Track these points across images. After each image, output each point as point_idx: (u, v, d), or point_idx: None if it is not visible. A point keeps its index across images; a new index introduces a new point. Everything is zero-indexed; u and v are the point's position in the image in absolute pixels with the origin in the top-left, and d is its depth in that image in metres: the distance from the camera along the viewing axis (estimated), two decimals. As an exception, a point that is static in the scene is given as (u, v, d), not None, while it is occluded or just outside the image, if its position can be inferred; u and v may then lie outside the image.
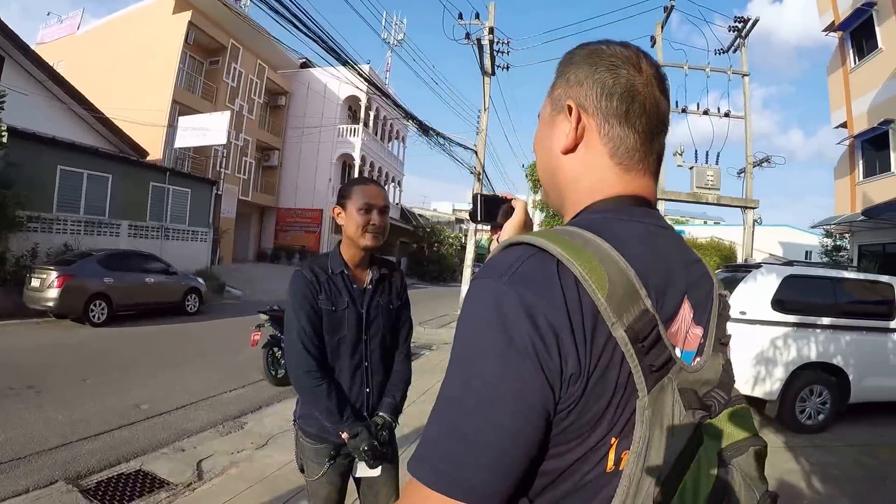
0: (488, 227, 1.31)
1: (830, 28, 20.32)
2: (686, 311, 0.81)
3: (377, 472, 2.20)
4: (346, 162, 36.62)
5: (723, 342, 0.87)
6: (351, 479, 2.38)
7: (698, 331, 0.83)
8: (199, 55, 27.90)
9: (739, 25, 19.11)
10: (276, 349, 7.70)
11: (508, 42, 20.50)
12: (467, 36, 19.49)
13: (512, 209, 1.24)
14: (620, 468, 0.71)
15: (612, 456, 0.72)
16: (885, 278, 7.89)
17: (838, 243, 25.87)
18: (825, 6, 20.68)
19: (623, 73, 0.84)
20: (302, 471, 2.35)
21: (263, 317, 7.86)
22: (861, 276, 8.33)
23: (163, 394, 6.84)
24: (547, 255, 0.71)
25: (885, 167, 17.93)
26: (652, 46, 19.55)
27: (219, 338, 11.35)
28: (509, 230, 1.21)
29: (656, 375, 0.71)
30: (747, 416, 0.82)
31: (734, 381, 0.86)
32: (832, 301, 7.18)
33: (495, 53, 19.86)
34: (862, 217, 16.47)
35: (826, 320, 6.96)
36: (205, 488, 4.17)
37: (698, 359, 0.82)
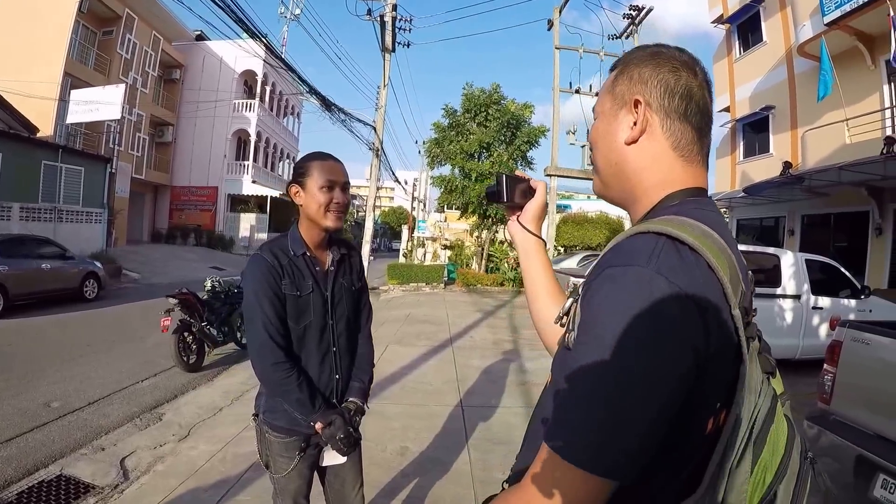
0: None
1: (719, 20, 21.90)
2: (749, 290, 0.90)
3: (345, 458, 2.15)
4: (241, 138, 35.58)
5: (754, 314, 0.94)
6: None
7: (751, 307, 0.90)
8: (93, 24, 25.92)
9: (633, 13, 19.98)
10: (186, 334, 7.44)
11: (411, 19, 20.62)
12: (369, 12, 19.30)
13: (531, 189, 1.31)
14: (719, 425, 0.79)
15: (712, 420, 0.79)
16: (771, 250, 8.84)
17: (718, 218, 27.72)
18: (716, 0, 22.00)
19: (683, 76, 0.94)
20: (267, 467, 2.23)
21: (172, 301, 7.48)
22: (749, 247, 9.14)
23: (73, 389, 6.41)
24: (679, 244, 0.78)
25: (764, 148, 19.56)
26: (549, 30, 20.13)
27: (123, 325, 10.74)
28: (532, 210, 1.31)
29: (748, 344, 0.80)
30: (779, 375, 0.94)
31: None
32: None
33: (396, 31, 19.77)
34: (743, 194, 17.74)
35: (754, 289, 7.55)
36: (133, 489, 3.95)
37: None
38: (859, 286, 8.92)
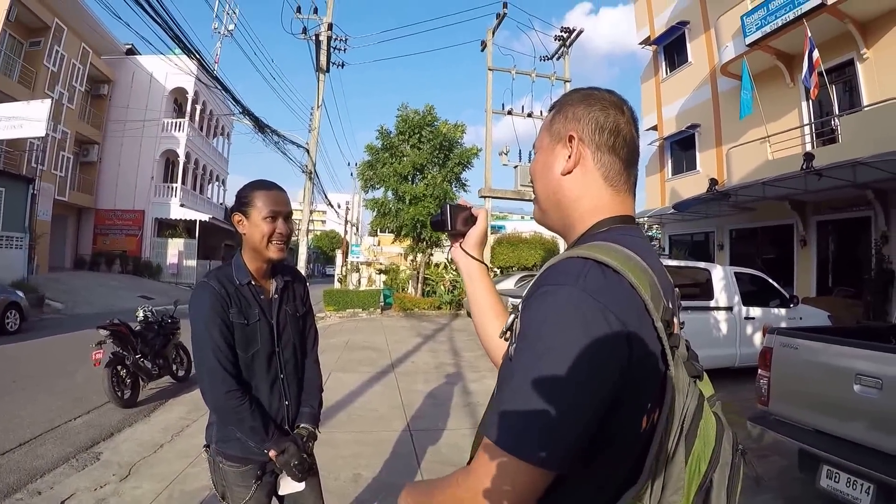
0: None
1: (646, 42, 22.92)
2: (672, 305, 1.00)
3: (302, 485, 2.13)
4: (169, 159, 34.18)
5: (681, 327, 1.07)
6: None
7: (676, 319, 1.02)
8: (20, 34, 24.48)
9: (564, 35, 20.56)
10: (119, 368, 7.12)
11: (346, 39, 20.54)
12: (304, 31, 19.22)
13: (473, 217, 1.40)
14: (654, 423, 0.90)
15: (645, 418, 0.90)
16: (702, 264, 9.27)
17: (649, 234, 28.59)
18: (643, 22, 23.27)
19: (612, 114, 1.06)
20: (224, 498, 2.18)
21: (103, 332, 7.14)
22: (682, 263, 9.55)
23: (1, 429, 6.02)
24: (603, 266, 0.89)
25: (692, 165, 20.36)
26: (482, 51, 20.49)
27: (50, 359, 10.18)
28: (474, 237, 1.41)
29: (673, 352, 0.91)
30: (708, 379, 1.04)
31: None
32: None
33: (331, 50, 19.73)
34: (672, 210, 18.39)
35: (680, 304, 7.80)
36: (78, 535, 3.75)
37: None
38: (788, 296, 9.39)
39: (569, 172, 1.06)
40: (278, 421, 2.16)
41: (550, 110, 1.16)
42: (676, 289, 1.10)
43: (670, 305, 0.97)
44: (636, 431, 0.89)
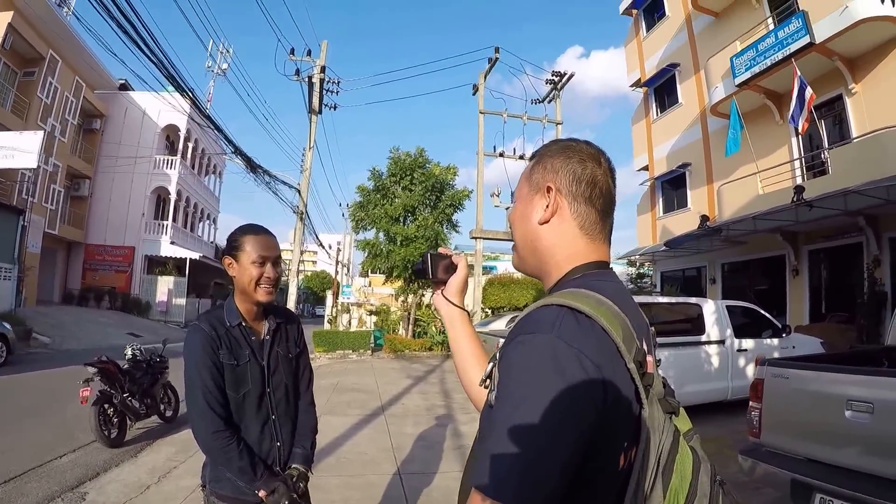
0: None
1: (637, 84, 23.43)
2: (645, 345, 1.02)
3: None
4: (160, 196, 34.08)
5: (658, 364, 1.09)
6: None
7: (651, 358, 1.03)
8: (15, 63, 24.29)
9: (556, 79, 20.88)
10: (107, 406, 7.01)
11: (339, 82, 20.78)
12: (297, 73, 19.40)
13: (453, 265, 1.44)
14: (631, 460, 0.92)
15: (623, 457, 0.92)
16: (693, 300, 9.23)
17: (641, 271, 28.71)
18: (633, 65, 23.83)
19: (589, 166, 1.10)
20: None
21: (91, 370, 7.04)
22: (672, 299, 9.54)
23: None
24: (576, 312, 0.92)
25: (682, 203, 20.53)
26: (474, 94, 20.78)
27: (36, 394, 10.00)
28: (455, 284, 1.44)
29: (647, 391, 0.93)
30: (685, 414, 1.06)
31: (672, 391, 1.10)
32: (650, 322, 8.06)
33: (324, 93, 19.87)
34: (664, 248, 18.53)
35: (656, 342, 7.79)
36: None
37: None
38: (780, 325, 9.40)
39: (546, 222, 1.11)
40: (269, 462, 2.17)
41: (530, 160, 1.21)
42: (652, 328, 1.14)
43: (643, 346, 0.99)
44: (614, 470, 0.92)
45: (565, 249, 1.10)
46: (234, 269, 2.16)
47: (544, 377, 0.86)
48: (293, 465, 2.23)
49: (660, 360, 1.13)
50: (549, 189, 1.10)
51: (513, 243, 1.22)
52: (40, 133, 20.56)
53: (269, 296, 2.17)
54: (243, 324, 2.20)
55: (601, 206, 1.10)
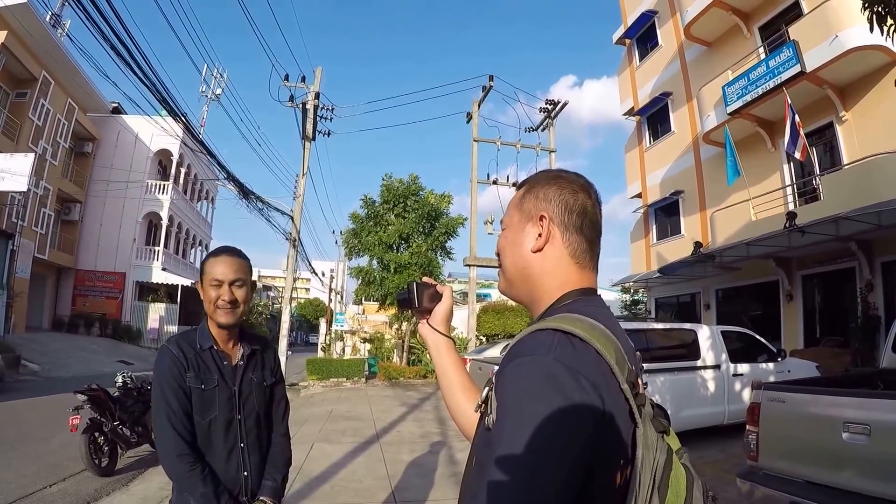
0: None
1: (630, 113, 23.67)
2: (635, 367, 1.04)
3: None
4: (152, 221, 34.01)
5: (645, 387, 1.12)
6: None
7: (639, 380, 1.07)
8: (7, 84, 24.28)
9: (549, 108, 21.08)
10: (97, 434, 6.92)
11: (333, 108, 20.77)
12: (291, 99, 19.49)
13: (438, 294, 1.47)
14: (627, 478, 0.93)
15: (619, 474, 0.93)
16: (688, 326, 9.28)
17: (635, 298, 28.76)
18: (627, 94, 24.14)
19: (580, 196, 1.14)
20: None
21: (81, 397, 6.97)
22: (668, 325, 9.60)
23: None
24: (571, 336, 0.94)
25: (676, 230, 20.61)
26: (468, 122, 20.93)
27: (25, 422, 9.88)
28: (441, 313, 1.47)
29: (640, 411, 0.95)
30: (674, 433, 1.07)
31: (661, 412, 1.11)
32: (645, 348, 8.15)
33: (318, 119, 19.95)
34: (658, 274, 18.59)
35: (643, 366, 7.80)
36: None
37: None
38: (775, 350, 9.44)
39: (539, 250, 1.13)
40: (235, 492, 2.12)
41: (519, 188, 1.24)
42: (638, 352, 1.14)
43: (633, 367, 1.01)
44: (612, 488, 0.93)
45: (557, 277, 1.12)
46: (201, 292, 2.17)
47: (546, 397, 0.87)
48: (260, 498, 2.17)
49: (646, 384, 1.16)
50: (542, 218, 1.13)
51: (499, 269, 1.24)
52: (31, 156, 20.35)
53: (227, 317, 2.13)
54: (215, 347, 2.17)
55: (589, 234, 1.14)
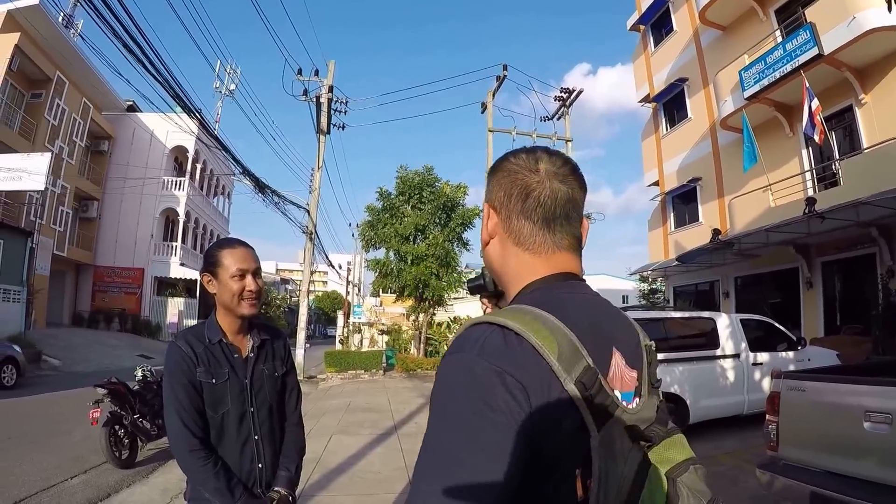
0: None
1: (646, 100, 23.42)
2: (618, 359, 0.96)
3: None
4: (169, 217, 34.36)
5: (655, 385, 1.04)
6: None
7: (633, 373, 0.98)
8: (22, 85, 24.48)
9: (564, 96, 20.87)
10: (117, 427, 7.00)
11: (347, 101, 20.70)
12: (305, 93, 19.50)
13: None
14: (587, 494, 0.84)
15: (579, 484, 0.84)
16: (706, 314, 9.17)
17: (653, 287, 28.56)
18: (642, 81, 23.87)
19: (519, 177, 1.03)
20: None
21: (101, 391, 7.05)
22: (686, 314, 9.51)
23: None
24: (505, 330, 0.86)
25: (694, 218, 20.41)
26: (483, 112, 20.77)
27: (46, 416, 10.07)
28: None
29: (604, 417, 0.85)
30: (684, 442, 0.98)
31: (669, 417, 1.03)
32: (663, 337, 8.12)
33: (332, 112, 19.93)
34: (676, 262, 18.44)
35: (660, 356, 7.73)
36: None
37: (637, 399, 0.98)
38: (795, 338, 9.29)
39: (487, 243, 1.09)
40: (249, 484, 2.11)
41: None
42: (650, 342, 1.09)
43: (611, 363, 0.94)
44: (573, 499, 0.85)
45: (510, 267, 1.05)
46: (213, 285, 2.13)
47: (467, 397, 0.81)
48: (275, 489, 2.16)
49: (659, 380, 1.07)
50: (486, 208, 1.08)
51: None
52: (48, 155, 20.67)
53: (252, 308, 2.13)
54: (224, 341, 2.15)
55: (541, 214, 1.01)
